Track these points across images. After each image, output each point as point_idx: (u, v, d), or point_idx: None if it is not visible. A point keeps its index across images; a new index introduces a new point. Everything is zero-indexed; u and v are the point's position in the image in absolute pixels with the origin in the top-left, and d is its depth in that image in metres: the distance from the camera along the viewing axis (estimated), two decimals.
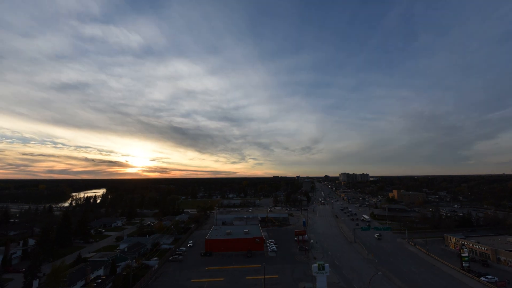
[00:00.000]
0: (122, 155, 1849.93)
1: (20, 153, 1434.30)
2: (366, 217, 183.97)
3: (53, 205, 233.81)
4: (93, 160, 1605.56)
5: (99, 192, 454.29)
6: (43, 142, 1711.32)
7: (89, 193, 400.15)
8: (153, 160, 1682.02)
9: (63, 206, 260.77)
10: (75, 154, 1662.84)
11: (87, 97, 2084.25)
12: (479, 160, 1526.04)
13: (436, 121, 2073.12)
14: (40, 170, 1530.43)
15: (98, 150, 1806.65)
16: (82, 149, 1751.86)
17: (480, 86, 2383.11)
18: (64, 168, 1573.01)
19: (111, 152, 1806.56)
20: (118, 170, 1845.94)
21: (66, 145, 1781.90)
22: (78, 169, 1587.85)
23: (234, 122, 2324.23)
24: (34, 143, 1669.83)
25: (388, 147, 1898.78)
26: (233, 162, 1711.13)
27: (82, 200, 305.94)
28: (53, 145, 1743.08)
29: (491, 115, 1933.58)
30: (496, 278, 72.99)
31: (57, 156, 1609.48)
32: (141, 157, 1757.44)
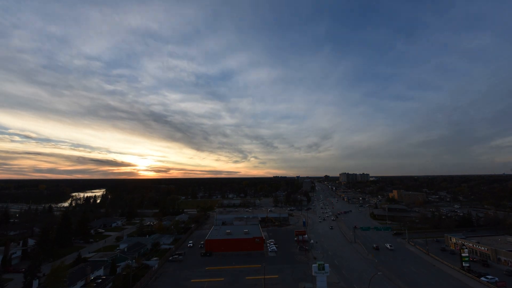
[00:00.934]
0: (105, 151, 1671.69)
1: None
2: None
3: (53, 205, 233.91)
4: (77, 158, 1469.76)
5: (99, 192, 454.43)
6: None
7: (89, 193, 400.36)
8: (143, 157, 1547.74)
9: (63, 206, 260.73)
10: (47, 150, 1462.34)
11: None
12: (492, 159, 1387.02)
13: (455, 114, 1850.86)
14: (28, 169, 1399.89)
15: (73, 144, 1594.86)
16: (51, 143, 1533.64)
17: None
18: (51, 167, 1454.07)
19: (80, 145, 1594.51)
20: (112, 170, 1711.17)
21: (27, 138, 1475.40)
22: (66, 168, 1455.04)
23: (222, 100, 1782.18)
24: None
25: (400, 144, 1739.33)
26: (236, 161, 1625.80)
27: (82, 200, 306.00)
28: (9, 137, 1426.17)
29: None
30: (496, 278, 72.91)
31: (31, 153, 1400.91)
32: (129, 154, 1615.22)
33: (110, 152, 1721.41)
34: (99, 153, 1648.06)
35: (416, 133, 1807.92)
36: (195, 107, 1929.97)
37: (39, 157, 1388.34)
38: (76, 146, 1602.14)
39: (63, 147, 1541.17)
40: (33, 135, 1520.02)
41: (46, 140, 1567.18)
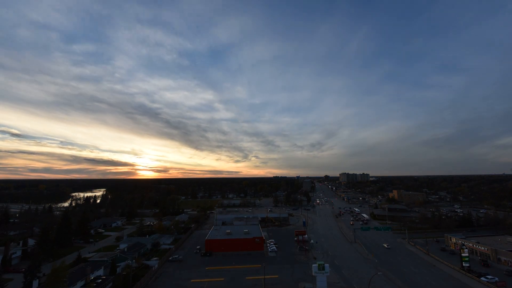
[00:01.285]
0: (95, 149, 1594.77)
1: None
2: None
3: (53, 205, 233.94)
4: (71, 157, 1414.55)
5: (99, 192, 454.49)
6: None
7: (88, 193, 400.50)
8: (140, 157, 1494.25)
9: (63, 206, 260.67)
10: (35, 148, 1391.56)
11: None
12: (494, 159, 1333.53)
13: (463, 111, 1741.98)
14: (23, 169, 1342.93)
15: (61, 142, 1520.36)
16: (35, 140, 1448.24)
17: None
18: (46, 167, 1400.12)
19: (67, 143, 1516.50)
20: (109, 169, 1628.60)
21: (6, 133, 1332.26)
22: (62, 168, 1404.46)
23: (213, 88, 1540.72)
24: None
25: (405, 143, 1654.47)
26: (237, 161, 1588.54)
27: (82, 200, 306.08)
28: None
29: None
30: (496, 278, 72.95)
31: (23, 152, 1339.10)
32: (125, 153, 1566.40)
33: (101, 150, 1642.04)
34: (91, 151, 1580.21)
35: (422, 131, 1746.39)
36: (184, 97, 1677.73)
37: (31, 156, 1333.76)
38: (64, 144, 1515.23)
39: (51, 145, 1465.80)
40: (15, 131, 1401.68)
41: (30, 138, 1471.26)
